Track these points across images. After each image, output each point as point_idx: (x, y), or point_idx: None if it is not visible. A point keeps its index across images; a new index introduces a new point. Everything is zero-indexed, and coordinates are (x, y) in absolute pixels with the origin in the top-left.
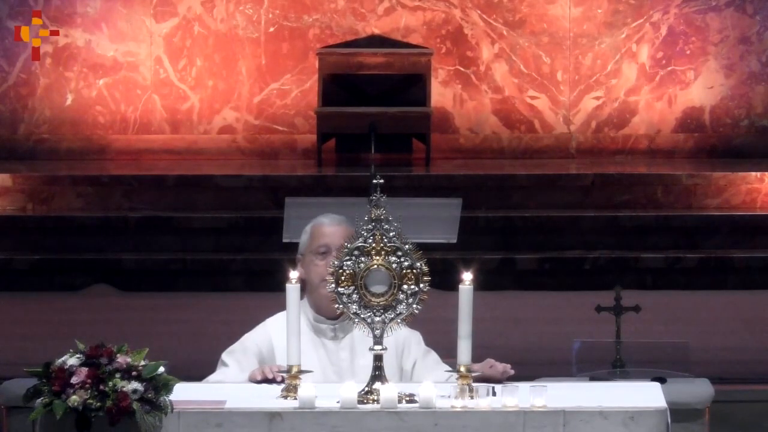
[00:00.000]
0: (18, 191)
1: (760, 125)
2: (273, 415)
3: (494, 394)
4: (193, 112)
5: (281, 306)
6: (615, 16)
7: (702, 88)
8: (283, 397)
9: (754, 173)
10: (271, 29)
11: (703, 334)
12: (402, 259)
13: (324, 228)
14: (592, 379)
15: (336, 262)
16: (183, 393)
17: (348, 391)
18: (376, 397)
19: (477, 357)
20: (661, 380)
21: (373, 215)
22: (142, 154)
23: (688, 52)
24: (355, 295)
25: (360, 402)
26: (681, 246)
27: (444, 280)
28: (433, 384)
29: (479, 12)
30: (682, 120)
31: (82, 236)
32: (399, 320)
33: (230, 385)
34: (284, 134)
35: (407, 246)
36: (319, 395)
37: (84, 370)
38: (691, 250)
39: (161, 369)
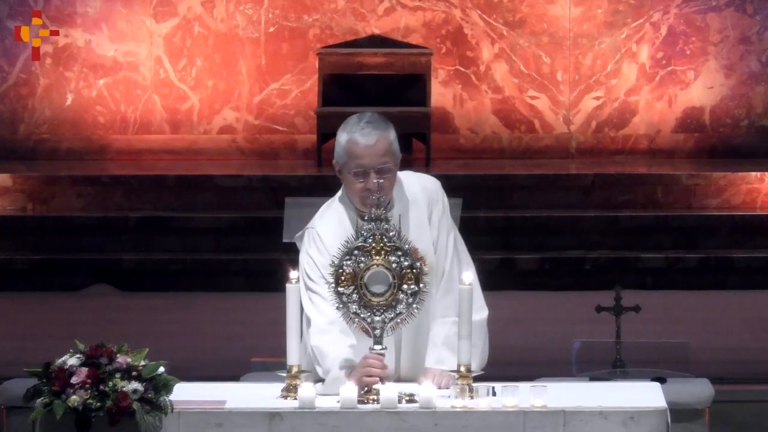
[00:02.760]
0: (18, 191)
1: (760, 125)
2: (273, 415)
3: (494, 394)
4: (193, 112)
5: (281, 306)
6: (615, 16)
7: (702, 88)
8: (283, 397)
9: (754, 173)
10: (271, 29)
11: (703, 334)
12: (402, 259)
13: (358, 148)
14: (592, 379)
15: (336, 262)
16: (183, 393)
17: (348, 391)
18: (375, 397)
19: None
20: (661, 380)
21: (373, 215)
22: (142, 154)
23: (688, 52)
24: (354, 295)
25: (360, 401)
26: (681, 246)
27: None
28: (432, 385)
29: (479, 12)
30: (682, 120)
31: (82, 236)
32: (399, 320)
33: (230, 385)
34: (284, 134)
35: (407, 246)
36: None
37: (84, 370)
38: (691, 250)
39: (161, 369)
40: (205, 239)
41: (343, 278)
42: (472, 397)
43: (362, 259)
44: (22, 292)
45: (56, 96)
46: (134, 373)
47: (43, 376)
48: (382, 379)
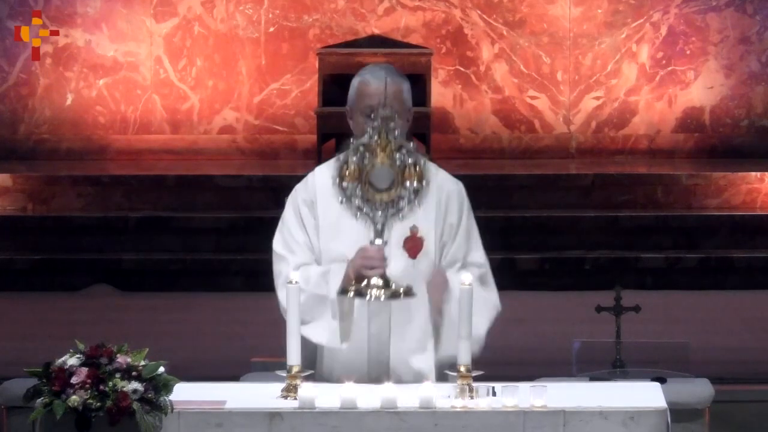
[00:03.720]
0: (18, 191)
1: (760, 125)
2: (273, 415)
3: (494, 394)
4: (193, 112)
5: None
6: (615, 16)
7: (702, 88)
8: (283, 397)
9: (754, 173)
10: (271, 29)
11: (703, 334)
12: (405, 156)
13: (369, 88)
14: (592, 379)
15: (341, 157)
16: (183, 393)
17: (348, 391)
18: (379, 284)
19: (478, 357)
20: (661, 380)
21: (380, 114)
22: (143, 154)
23: (688, 52)
24: (359, 190)
25: (357, 292)
26: (681, 246)
27: None
28: (433, 385)
29: (479, 12)
30: (682, 120)
31: (82, 236)
32: (400, 215)
33: (230, 385)
34: (284, 134)
35: (411, 144)
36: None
37: (84, 370)
38: (691, 250)
39: (161, 369)
40: (205, 239)
41: (348, 174)
42: (472, 397)
43: (367, 155)
44: (22, 292)
45: (56, 96)
46: (134, 373)
47: (43, 376)
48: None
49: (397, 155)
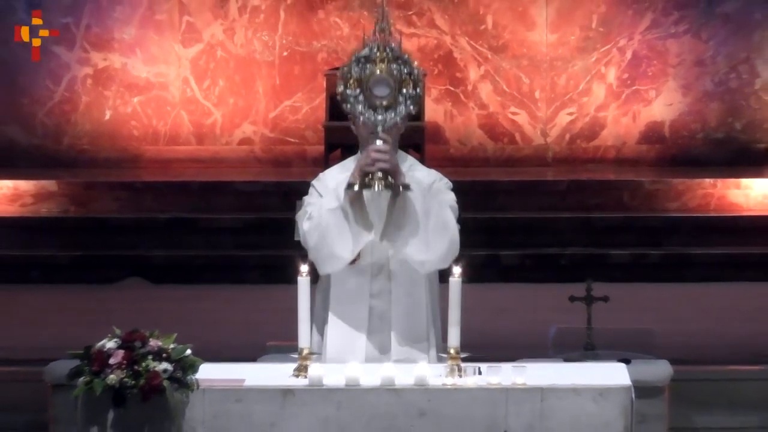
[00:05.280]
0: (62, 195)
1: (713, 138)
2: (286, 392)
3: (480, 373)
4: (216, 126)
5: (293, 297)
6: (586, 42)
7: (662, 105)
8: (295, 376)
9: (708, 180)
10: (285, 53)
11: (664, 321)
12: (402, 67)
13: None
14: (566, 360)
15: (345, 69)
16: (207, 372)
17: (352, 371)
18: (380, 176)
19: (466, 341)
20: (627, 361)
21: (378, 28)
22: (171, 163)
23: (650, 73)
24: (361, 97)
25: (362, 185)
26: (645, 243)
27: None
28: (427, 365)
29: (467, 38)
30: (645, 133)
31: (118, 235)
32: (398, 119)
33: (248, 365)
34: (296, 145)
35: (407, 55)
36: (326, 374)
37: (120, 352)
38: (654, 247)
39: (188, 351)
40: (226, 237)
41: (351, 82)
42: (460, 376)
43: (368, 66)
44: (65, 284)
45: (96, 112)
46: (164, 355)
47: (85, 357)
48: (388, 172)
49: (394, 66)
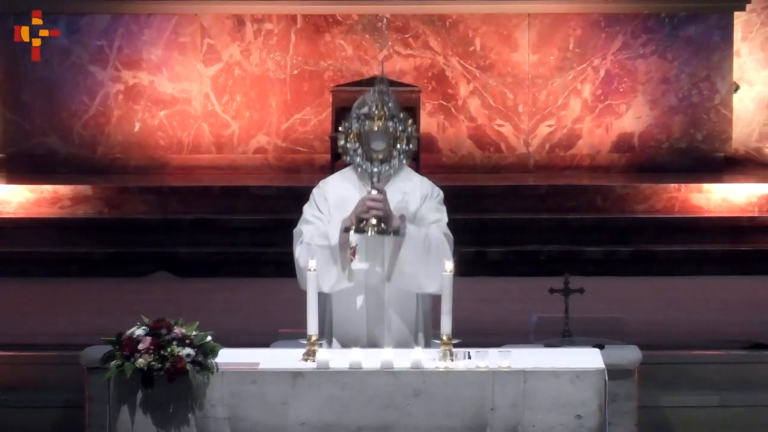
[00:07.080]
0: (96, 198)
1: (677, 147)
2: (296, 374)
3: (469, 357)
4: (234, 136)
5: (302, 289)
6: (564, 61)
7: (632, 118)
8: (304, 360)
9: (672, 184)
10: (295, 72)
11: (634, 311)
12: (397, 124)
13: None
14: (547, 345)
15: (347, 125)
16: (225, 357)
17: (355, 355)
18: (374, 223)
19: (457, 329)
20: (600, 347)
21: (378, 89)
22: (194, 170)
23: (621, 90)
24: (359, 150)
25: (357, 230)
26: (616, 242)
27: None
28: (422, 350)
29: (458, 58)
30: (616, 143)
31: (147, 234)
32: (392, 171)
33: (263, 350)
34: (305, 154)
35: (402, 114)
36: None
37: (148, 338)
38: (624, 245)
39: (209, 338)
40: (243, 236)
41: (351, 137)
42: (452, 360)
43: (366, 122)
44: (100, 278)
45: (126, 124)
46: (187, 341)
47: (116, 343)
48: (382, 218)
49: (390, 123)
